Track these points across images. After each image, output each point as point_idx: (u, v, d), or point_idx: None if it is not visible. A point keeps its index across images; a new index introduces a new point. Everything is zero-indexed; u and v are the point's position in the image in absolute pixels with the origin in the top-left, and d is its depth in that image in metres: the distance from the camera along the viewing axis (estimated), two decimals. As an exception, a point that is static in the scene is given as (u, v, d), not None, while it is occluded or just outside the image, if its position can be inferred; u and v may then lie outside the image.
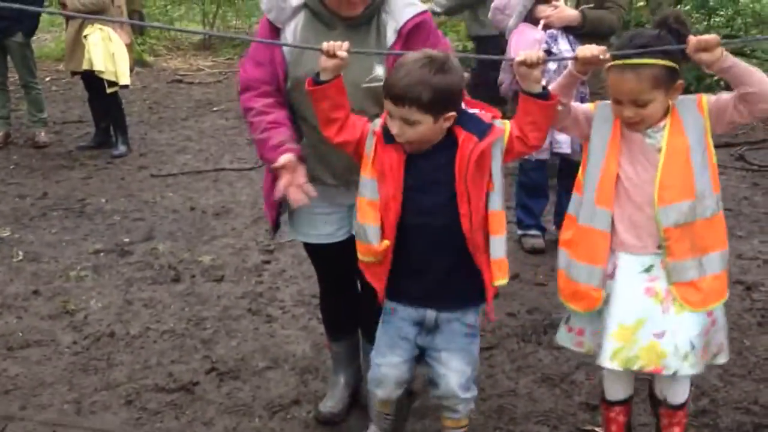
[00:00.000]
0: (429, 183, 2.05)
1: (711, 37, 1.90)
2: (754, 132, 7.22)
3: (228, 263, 4.01)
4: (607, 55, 1.97)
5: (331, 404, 2.67)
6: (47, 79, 9.45)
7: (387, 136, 2.04)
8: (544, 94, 2.00)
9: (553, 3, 3.78)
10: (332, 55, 2.01)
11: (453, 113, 1.99)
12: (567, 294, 2.20)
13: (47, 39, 12.25)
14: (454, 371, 2.15)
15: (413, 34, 2.26)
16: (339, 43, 2.02)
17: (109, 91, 5.97)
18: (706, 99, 2.05)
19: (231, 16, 14.68)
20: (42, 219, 4.67)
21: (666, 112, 2.05)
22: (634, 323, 2.05)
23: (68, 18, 6.03)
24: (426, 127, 1.97)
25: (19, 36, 6.13)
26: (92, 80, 6.02)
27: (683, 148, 2.02)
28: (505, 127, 2.07)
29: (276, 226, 2.51)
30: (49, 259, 4.04)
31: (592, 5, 3.77)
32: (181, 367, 2.99)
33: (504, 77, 4.08)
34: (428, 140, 2.01)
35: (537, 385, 2.86)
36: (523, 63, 1.96)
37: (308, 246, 2.55)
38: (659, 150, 2.03)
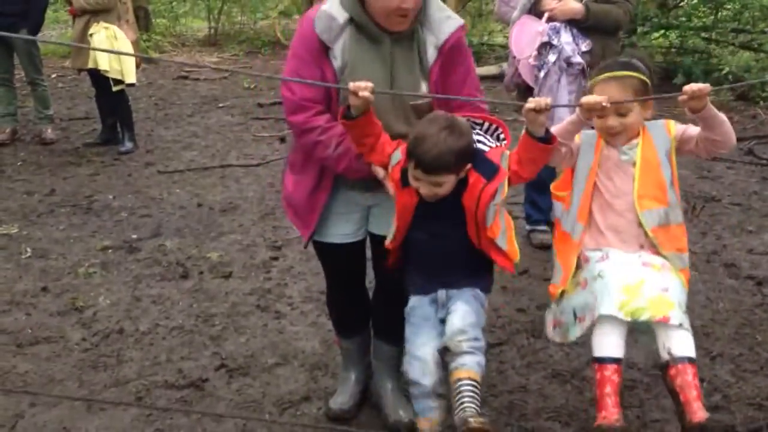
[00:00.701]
0: (437, 213, 2.22)
1: (704, 86, 2.13)
2: (763, 126, 7.19)
3: (236, 260, 4.00)
4: (608, 104, 2.20)
5: (341, 400, 2.66)
6: (53, 76, 9.45)
7: (404, 181, 2.20)
8: (547, 138, 2.16)
9: None
10: (356, 95, 2.05)
11: (470, 165, 2.17)
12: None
13: (53, 36, 12.25)
14: (460, 310, 2.22)
15: (452, 52, 2.29)
16: (363, 84, 2.05)
17: (115, 89, 5.96)
18: (674, 124, 2.35)
19: (236, 12, 14.67)
20: (50, 216, 4.67)
21: (638, 132, 2.33)
22: (636, 283, 2.20)
23: (75, 15, 6.01)
24: (451, 184, 2.17)
25: (24, 33, 6.11)
26: (99, 77, 6.01)
27: (655, 162, 2.30)
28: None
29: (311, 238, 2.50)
30: (58, 256, 4.04)
31: None
32: (190, 364, 2.98)
33: (507, 70, 4.06)
34: (449, 192, 2.19)
35: (548, 381, 2.85)
36: (532, 109, 2.11)
37: (324, 245, 2.51)
38: (634, 164, 2.31)
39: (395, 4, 2.17)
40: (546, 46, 3.78)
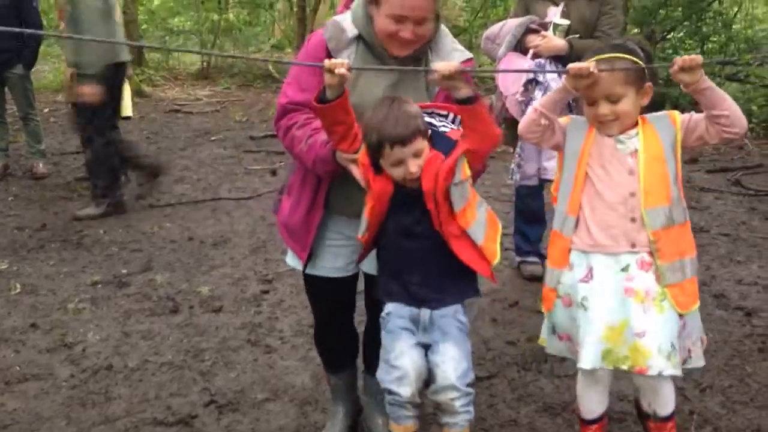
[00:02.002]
0: (410, 206, 2.17)
1: (695, 57, 2.02)
2: (750, 157, 7.27)
3: (226, 293, 4.00)
4: (595, 68, 2.06)
5: None
6: (45, 110, 9.49)
7: (376, 168, 2.16)
8: (469, 98, 2.08)
9: (542, 33, 3.83)
10: (332, 72, 2.04)
11: (428, 132, 2.16)
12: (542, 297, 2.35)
13: (46, 70, 12.31)
14: (451, 359, 2.16)
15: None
16: (340, 61, 2.05)
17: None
18: (678, 114, 2.19)
19: (229, 47, 14.80)
20: (40, 251, 4.66)
21: (636, 122, 2.17)
22: (620, 324, 2.10)
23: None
24: (426, 151, 2.12)
25: (19, 68, 6.18)
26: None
27: (659, 154, 2.13)
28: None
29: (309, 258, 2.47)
30: (47, 292, 4.02)
31: (579, 35, 3.81)
32: (179, 400, 2.96)
33: (495, 104, 4.13)
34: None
35: (538, 414, 2.84)
36: (442, 76, 2.03)
37: (315, 278, 2.49)
38: (631, 154, 2.14)
39: (392, 30, 2.20)
40: (532, 83, 3.84)
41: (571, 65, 2.11)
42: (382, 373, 2.22)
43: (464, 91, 2.08)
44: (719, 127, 2.11)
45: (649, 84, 2.17)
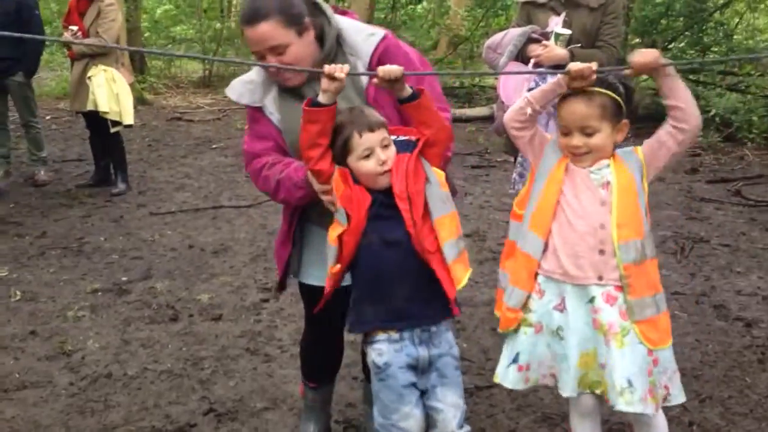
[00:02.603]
0: (385, 217, 2.11)
1: (652, 52, 2.04)
2: (750, 167, 7.28)
3: (226, 302, 4.00)
4: (595, 68, 2.05)
5: None
6: (47, 117, 9.53)
7: (354, 177, 2.12)
8: (413, 96, 2.10)
9: (543, 42, 3.83)
10: (332, 78, 2.04)
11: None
12: (499, 311, 2.29)
13: (47, 78, 12.36)
14: (451, 405, 2.12)
15: (383, 60, 2.22)
16: (339, 65, 2.05)
17: (113, 130, 6.04)
18: (640, 147, 2.17)
19: (231, 55, 14.84)
20: (40, 258, 4.67)
21: (608, 156, 2.15)
22: (592, 350, 2.12)
23: (75, 58, 6.10)
24: (393, 150, 2.11)
25: (20, 76, 6.19)
26: (95, 119, 6.07)
27: (632, 187, 2.12)
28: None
29: (282, 283, 2.55)
30: (47, 299, 4.02)
31: (580, 45, 3.82)
32: (178, 409, 2.96)
33: (496, 113, 4.13)
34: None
35: (537, 425, 2.84)
36: (382, 79, 2.06)
37: (304, 286, 2.51)
38: (603, 185, 2.12)
39: (262, 64, 2.20)
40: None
41: (572, 65, 2.08)
42: (383, 430, 2.14)
43: (406, 90, 2.09)
44: (674, 122, 2.10)
45: (625, 121, 2.16)
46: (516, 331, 2.24)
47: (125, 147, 6.52)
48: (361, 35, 2.29)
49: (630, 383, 2.06)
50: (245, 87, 2.32)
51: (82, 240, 5.02)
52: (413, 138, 2.18)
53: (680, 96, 2.08)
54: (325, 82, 2.06)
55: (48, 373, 3.24)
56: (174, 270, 4.47)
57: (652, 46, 9.92)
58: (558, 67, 3.81)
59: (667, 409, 2.85)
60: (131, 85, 6.27)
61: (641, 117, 9.02)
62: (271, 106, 2.30)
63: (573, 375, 2.13)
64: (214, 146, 8.27)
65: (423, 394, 2.15)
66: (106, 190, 6.24)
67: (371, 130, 2.09)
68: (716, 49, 10.10)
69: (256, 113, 2.33)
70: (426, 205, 2.10)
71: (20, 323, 3.72)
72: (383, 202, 2.12)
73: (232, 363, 3.33)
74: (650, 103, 10.08)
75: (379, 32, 2.31)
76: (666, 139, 2.12)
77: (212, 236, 5.13)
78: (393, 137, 2.18)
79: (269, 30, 2.14)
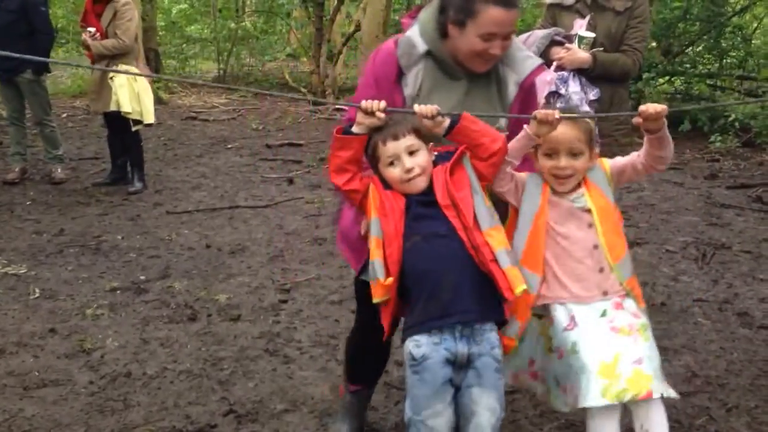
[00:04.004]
0: (425, 216, 2.13)
1: (660, 106, 2.09)
2: (770, 173, 7.20)
3: (244, 302, 3.98)
4: (558, 116, 2.15)
5: None
6: (63, 115, 9.56)
7: (384, 184, 2.17)
8: (453, 123, 2.13)
9: (566, 45, 3.80)
10: (371, 114, 2.07)
11: (430, 142, 2.17)
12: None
13: (63, 76, 12.41)
14: (486, 409, 2.06)
15: (531, 88, 2.32)
16: (377, 102, 2.08)
17: (135, 128, 6.07)
18: (606, 161, 2.32)
19: (245, 55, 14.89)
20: (58, 256, 4.67)
21: (580, 183, 2.28)
22: (612, 358, 2.13)
23: (93, 60, 6.09)
24: (424, 153, 2.14)
25: (29, 73, 6.15)
26: (115, 118, 6.07)
27: (609, 207, 2.27)
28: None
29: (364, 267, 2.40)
30: (66, 297, 4.02)
31: (603, 48, 3.78)
32: (198, 409, 2.94)
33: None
34: (428, 170, 2.15)
35: (561, 431, 2.80)
36: (424, 116, 2.10)
37: (367, 285, 2.33)
38: (587, 211, 2.25)
39: (481, 48, 2.20)
40: (554, 96, 3.81)
41: (537, 111, 2.16)
42: (412, 426, 2.08)
43: (445, 123, 2.13)
44: (653, 165, 2.23)
45: (596, 151, 2.30)
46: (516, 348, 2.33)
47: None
48: (521, 53, 2.36)
49: (662, 368, 2.17)
50: (409, 49, 2.31)
51: (99, 238, 5.02)
52: (451, 150, 2.20)
53: (668, 148, 2.19)
54: (360, 116, 2.11)
55: (68, 371, 3.23)
56: (192, 269, 4.46)
57: (668, 49, 9.85)
58: (581, 71, 3.79)
59: (693, 419, 2.84)
60: (151, 83, 6.27)
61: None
62: (411, 78, 2.31)
63: (596, 385, 2.12)
64: (229, 146, 8.27)
65: (457, 390, 2.09)
66: (123, 189, 6.24)
67: (395, 138, 2.12)
68: (734, 54, 10.03)
69: (390, 78, 2.30)
70: (474, 215, 2.11)
71: (39, 321, 3.72)
72: (421, 202, 2.13)
73: (251, 364, 3.31)
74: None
75: (537, 59, 2.38)
76: (639, 169, 2.26)
77: (229, 236, 5.12)
78: (435, 153, 2.20)
79: (517, 15, 2.24)
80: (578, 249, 2.25)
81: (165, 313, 3.83)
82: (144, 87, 5.98)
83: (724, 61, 9.90)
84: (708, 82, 9.97)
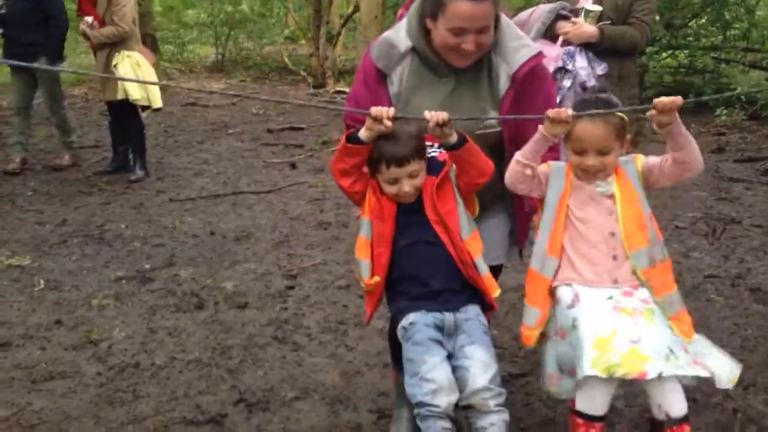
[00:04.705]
0: (414, 223, 2.23)
1: (675, 98, 2.05)
2: (778, 145, 7.13)
3: (251, 289, 3.94)
4: (571, 114, 2.12)
5: None
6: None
7: (380, 187, 2.24)
8: (459, 143, 2.13)
9: (572, 20, 3.72)
10: (379, 121, 2.06)
11: (425, 152, 2.22)
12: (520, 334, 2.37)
13: (64, 65, 12.29)
14: (479, 361, 2.12)
15: (527, 79, 2.23)
16: (386, 109, 2.07)
17: (144, 114, 6.06)
18: (641, 157, 2.29)
19: (243, 38, 14.76)
20: (62, 246, 4.63)
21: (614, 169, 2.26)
22: (609, 334, 2.09)
23: (95, 48, 6.03)
24: (423, 173, 2.20)
25: (44, 61, 6.13)
26: (118, 106, 6.01)
27: (634, 197, 2.22)
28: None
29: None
30: (71, 288, 3.98)
31: (609, 22, 3.71)
32: (208, 398, 2.91)
33: None
34: (421, 186, 2.23)
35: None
36: (436, 124, 2.08)
37: None
38: (610, 197, 2.22)
39: (453, 43, 2.14)
40: (561, 71, 3.74)
41: (550, 111, 2.12)
42: (413, 388, 2.11)
43: (453, 137, 2.11)
44: (679, 170, 2.18)
45: (628, 136, 2.27)
46: (542, 343, 2.32)
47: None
48: (515, 42, 2.25)
49: (671, 350, 2.08)
50: (387, 51, 2.27)
51: (103, 227, 4.97)
52: (441, 159, 2.25)
53: (689, 148, 2.14)
54: (369, 122, 2.10)
55: (75, 363, 3.20)
56: (197, 257, 4.42)
57: (670, 23, 9.72)
58: (587, 45, 3.71)
59: (709, 397, 2.80)
60: (155, 65, 6.20)
61: (661, 95, 8.88)
62: (396, 77, 2.27)
63: (589, 356, 2.08)
64: (230, 131, 8.21)
65: (451, 358, 2.16)
66: (125, 177, 6.19)
67: (400, 164, 2.16)
68: (738, 26, 9.89)
69: (374, 78, 2.29)
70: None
71: (45, 312, 3.68)
72: (409, 209, 2.22)
73: (260, 352, 3.28)
74: (670, 82, 9.93)
75: (533, 47, 2.27)
76: (666, 173, 2.21)
77: (233, 222, 5.07)
78: (428, 145, 2.23)
79: (489, 9, 2.12)
80: (594, 234, 2.22)
81: (171, 302, 3.79)
82: (149, 71, 5.91)
83: (728, 33, 9.77)
84: (712, 55, 9.85)
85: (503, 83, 2.24)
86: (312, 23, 12.49)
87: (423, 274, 2.23)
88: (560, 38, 3.74)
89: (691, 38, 9.58)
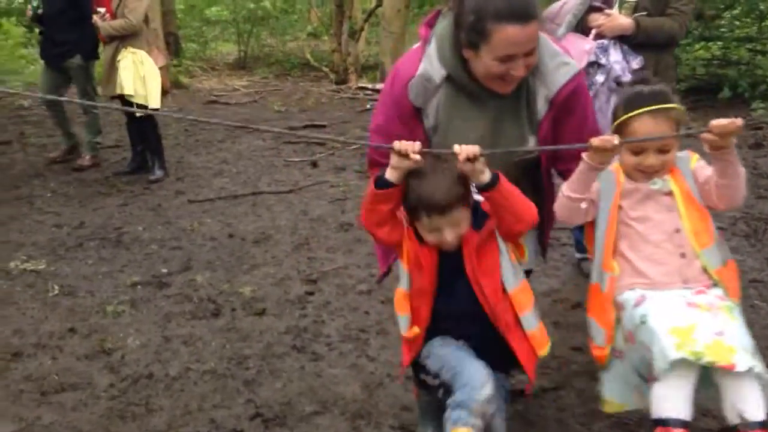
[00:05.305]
0: (454, 273, 2.06)
1: (736, 121, 1.89)
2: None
3: (269, 295, 3.81)
4: (617, 141, 1.94)
5: None
6: (84, 103, 9.43)
7: (418, 236, 2.06)
8: (492, 183, 1.95)
9: (606, 11, 3.52)
10: (405, 155, 1.88)
11: (469, 197, 2.03)
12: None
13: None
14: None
15: (567, 102, 2.09)
16: (411, 144, 1.88)
17: (138, 114, 5.91)
18: (697, 157, 2.13)
19: (265, 35, 14.68)
20: (78, 249, 4.54)
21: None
22: (687, 326, 1.91)
23: (104, 42, 5.97)
24: (467, 219, 2.01)
25: (78, 58, 6.13)
26: (128, 104, 5.94)
27: (691, 194, 2.07)
28: None
29: (387, 272, 2.44)
30: (86, 294, 3.88)
31: (645, 13, 3.50)
32: (223, 413, 2.78)
33: None
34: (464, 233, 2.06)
35: (612, 430, 2.59)
36: (467, 159, 1.90)
37: None
38: (667, 193, 2.06)
39: (500, 71, 1.98)
40: (593, 66, 3.54)
41: (593, 139, 1.94)
42: (455, 381, 1.99)
43: (485, 176, 1.92)
44: (721, 195, 2.05)
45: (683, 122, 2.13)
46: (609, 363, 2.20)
47: (161, 132, 6.36)
48: (554, 61, 2.09)
49: (755, 348, 1.92)
50: (423, 86, 2.11)
51: (120, 230, 4.88)
52: (486, 208, 2.06)
53: (737, 177, 2.01)
54: (395, 160, 1.90)
55: (87, 373, 3.09)
56: (214, 261, 4.30)
57: (700, 14, 9.41)
58: (622, 38, 3.51)
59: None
60: (164, 69, 6.09)
61: (694, 89, 8.60)
62: (431, 110, 2.12)
63: (668, 342, 1.88)
64: (251, 129, 8.09)
65: None
66: (144, 177, 6.10)
67: (441, 213, 1.95)
68: (774, 17, 9.55)
69: (408, 113, 2.13)
70: (501, 282, 2.06)
71: (58, 320, 3.58)
72: (450, 258, 2.04)
73: (277, 362, 3.14)
74: (703, 74, 9.64)
75: (572, 65, 2.10)
76: (712, 190, 2.06)
77: (252, 224, 4.94)
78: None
79: (536, 29, 1.96)
80: (656, 232, 2.06)
81: (187, 309, 3.67)
82: (150, 71, 5.80)
83: (764, 23, 9.44)
84: (747, 46, 9.53)
85: (541, 107, 2.10)
86: (334, 19, 12.35)
87: (455, 330, 2.12)
88: (593, 31, 3.55)
89: (724, 29, 9.28)
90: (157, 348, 3.29)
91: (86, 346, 3.32)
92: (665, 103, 2.05)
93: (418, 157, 1.89)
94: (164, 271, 4.16)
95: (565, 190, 2.09)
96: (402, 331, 2.12)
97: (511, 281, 2.07)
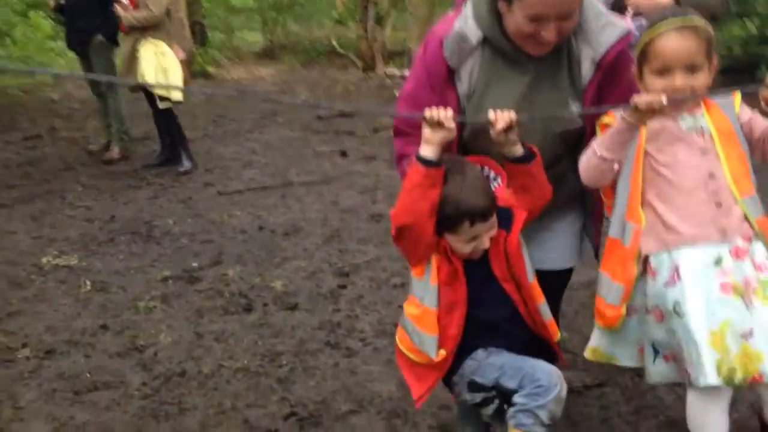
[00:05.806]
0: (484, 281, 1.97)
1: None
2: None
3: (301, 289, 3.75)
4: (665, 102, 1.76)
5: None
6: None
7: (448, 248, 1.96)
8: (527, 157, 1.86)
9: None
10: (438, 124, 1.76)
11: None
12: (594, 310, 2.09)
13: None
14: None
15: (613, 66, 1.95)
16: (442, 110, 1.77)
17: (161, 106, 5.87)
18: (740, 102, 1.93)
19: (291, 23, 14.62)
20: (110, 244, 4.52)
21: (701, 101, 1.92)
22: (720, 327, 1.79)
23: (124, 33, 5.94)
24: (495, 220, 1.92)
25: (99, 37, 6.11)
26: (152, 96, 5.92)
27: (731, 132, 1.87)
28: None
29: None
30: (117, 289, 3.86)
31: None
32: (257, 412, 2.73)
33: None
34: None
35: (661, 430, 2.49)
36: (501, 130, 1.80)
37: None
38: (698, 132, 1.87)
39: (530, 30, 1.86)
40: (630, 47, 3.41)
41: (638, 99, 1.79)
42: (525, 384, 1.89)
43: (519, 148, 1.83)
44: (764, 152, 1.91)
45: (715, 61, 1.89)
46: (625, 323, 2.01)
47: (189, 123, 6.34)
48: (599, 21, 1.96)
49: None
50: (459, 45, 1.98)
51: (150, 223, 4.85)
52: (507, 204, 1.95)
53: None
54: (427, 131, 1.77)
55: (120, 371, 3.06)
56: (245, 254, 4.25)
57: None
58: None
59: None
60: (185, 62, 6.05)
61: (729, 69, 8.34)
62: (465, 73, 1.99)
63: (711, 358, 1.77)
64: (279, 120, 8.04)
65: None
66: (173, 169, 6.09)
67: (485, 218, 1.85)
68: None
69: (441, 78, 2.00)
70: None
71: (91, 316, 3.56)
72: (472, 265, 1.94)
73: (311, 359, 3.08)
74: (740, 54, 9.36)
75: (619, 26, 1.98)
76: (756, 144, 1.92)
77: (282, 216, 4.89)
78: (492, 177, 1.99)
79: None
80: (687, 178, 1.85)
81: (219, 304, 3.63)
82: (172, 63, 5.76)
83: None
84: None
85: (586, 70, 1.96)
86: (360, 4, 12.23)
87: (493, 345, 2.01)
88: (630, 9, 3.41)
89: (761, 5, 8.99)
90: (189, 345, 3.25)
91: (118, 343, 3.29)
92: (692, 22, 1.86)
93: (452, 124, 1.78)
94: (195, 265, 4.13)
95: (598, 149, 1.89)
96: (430, 353, 1.96)
97: (531, 273, 2.00)
